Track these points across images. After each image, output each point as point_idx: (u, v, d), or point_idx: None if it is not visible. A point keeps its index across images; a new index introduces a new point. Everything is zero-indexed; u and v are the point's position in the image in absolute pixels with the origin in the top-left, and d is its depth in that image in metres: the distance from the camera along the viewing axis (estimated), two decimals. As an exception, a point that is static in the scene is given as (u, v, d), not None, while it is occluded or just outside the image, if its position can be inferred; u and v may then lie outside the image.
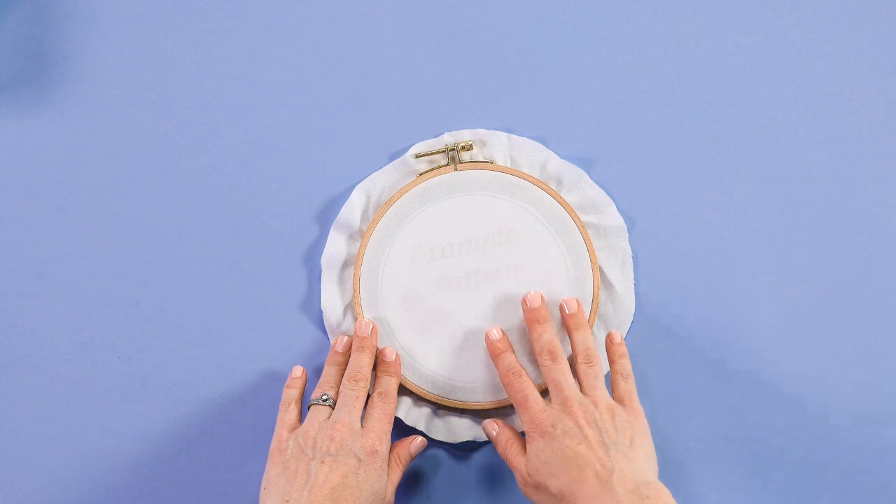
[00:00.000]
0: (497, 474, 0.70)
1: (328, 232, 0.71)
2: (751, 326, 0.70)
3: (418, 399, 0.69)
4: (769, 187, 0.71)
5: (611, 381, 0.66)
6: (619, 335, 0.67)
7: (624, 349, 0.67)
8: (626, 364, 0.66)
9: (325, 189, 0.71)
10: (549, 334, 0.65)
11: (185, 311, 0.71)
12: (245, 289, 0.71)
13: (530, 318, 0.66)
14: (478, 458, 0.70)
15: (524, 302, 0.66)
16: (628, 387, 0.65)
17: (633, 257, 0.70)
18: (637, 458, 0.59)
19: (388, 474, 0.63)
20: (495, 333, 0.67)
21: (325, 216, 0.71)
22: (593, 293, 0.68)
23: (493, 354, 0.66)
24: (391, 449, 0.65)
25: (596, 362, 0.64)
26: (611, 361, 0.66)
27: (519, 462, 0.63)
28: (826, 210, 0.71)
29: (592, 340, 0.65)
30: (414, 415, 0.68)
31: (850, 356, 0.70)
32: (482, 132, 0.70)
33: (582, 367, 0.64)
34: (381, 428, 0.63)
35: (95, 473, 0.70)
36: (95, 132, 0.72)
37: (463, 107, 0.72)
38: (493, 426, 0.66)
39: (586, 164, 0.71)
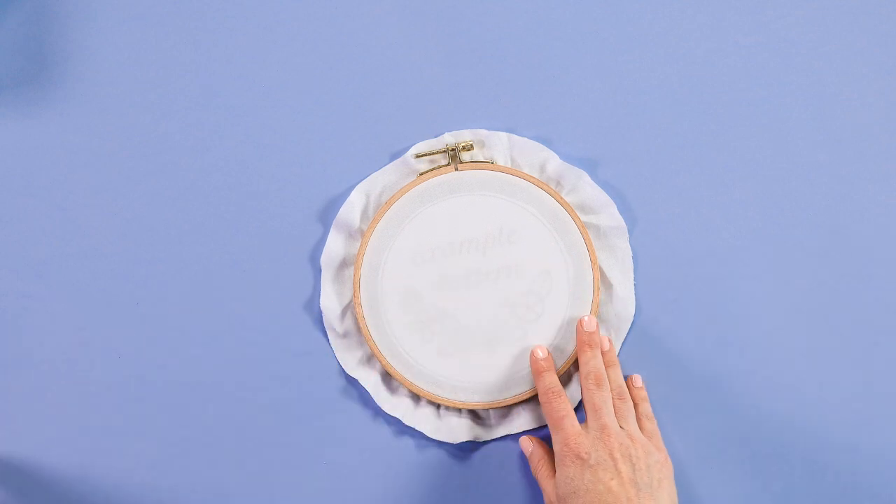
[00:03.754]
0: (496, 475, 0.70)
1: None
2: (751, 327, 0.70)
3: (419, 399, 0.69)
4: (769, 187, 0.71)
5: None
6: (640, 378, 0.68)
7: (645, 393, 0.68)
8: (648, 407, 0.67)
9: (326, 189, 0.71)
10: (598, 360, 0.66)
11: (185, 311, 0.71)
12: (245, 289, 0.71)
13: (582, 341, 0.67)
14: (478, 458, 0.70)
15: (580, 324, 0.67)
16: (654, 428, 0.66)
17: (633, 258, 0.70)
18: (662, 501, 0.60)
19: None
20: (540, 353, 0.67)
21: (327, 216, 0.71)
22: (593, 293, 0.68)
23: (536, 372, 0.67)
24: None
25: (629, 399, 0.66)
26: (634, 404, 0.67)
27: (548, 484, 0.64)
28: (826, 210, 0.71)
29: (624, 381, 0.67)
30: (414, 415, 0.68)
31: (850, 356, 0.70)
32: (482, 132, 0.70)
33: (616, 403, 0.65)
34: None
35: (95, 473, 0.70)
36: (95, 132, 0.72)
37: (463, 107, 0.72)
38: (529, 444, 0.67)
39: (587, 164, 0.71)
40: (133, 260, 0.71)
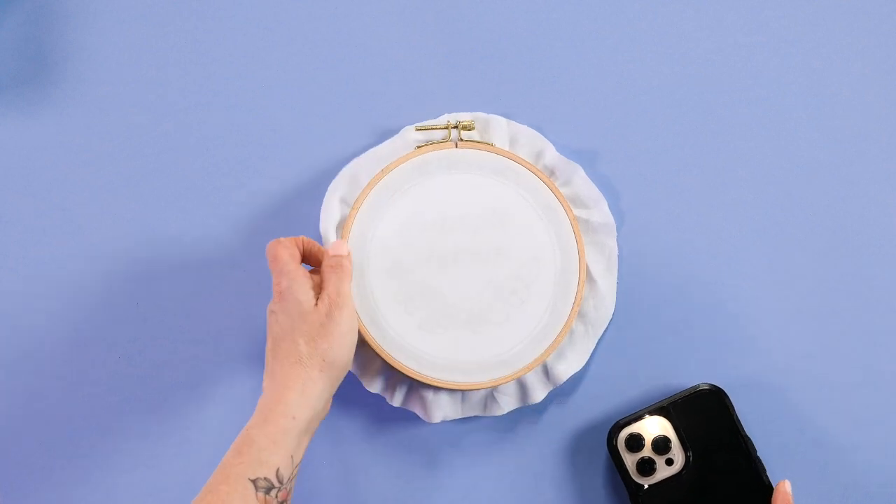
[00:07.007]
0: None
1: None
2: (742, 328, 0.70)
3: (394, 375, 0.68)
4: (766, 188, 0.71)
5: None
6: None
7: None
8: None
9: (325, 188, 0.71)
10: None
11: (185, 311, 0.71)
12: (245, 288, 0.71)
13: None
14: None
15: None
16: None
17: (618, 256, 0.70)
18: None
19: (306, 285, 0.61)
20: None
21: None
22: (578, 285, 0.68)
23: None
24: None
25: None
26: None
27: None
28: (825, 210, 0.71)
29: None
30: (387, 390, 0.68)
31: (850, 356, 0.70)
32: (482, 115, 0.70)
33: None
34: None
35: (95, 473, 0.70)
36: (95, 132, 0.72)
37: (461, 99, 0.72)
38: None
39: (580, 157, 0.71)
40: (133, 260, 0.71)
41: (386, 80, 0.72)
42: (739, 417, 0.66)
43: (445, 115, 0.71)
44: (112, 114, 0.72)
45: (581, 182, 0.70)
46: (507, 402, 0.68)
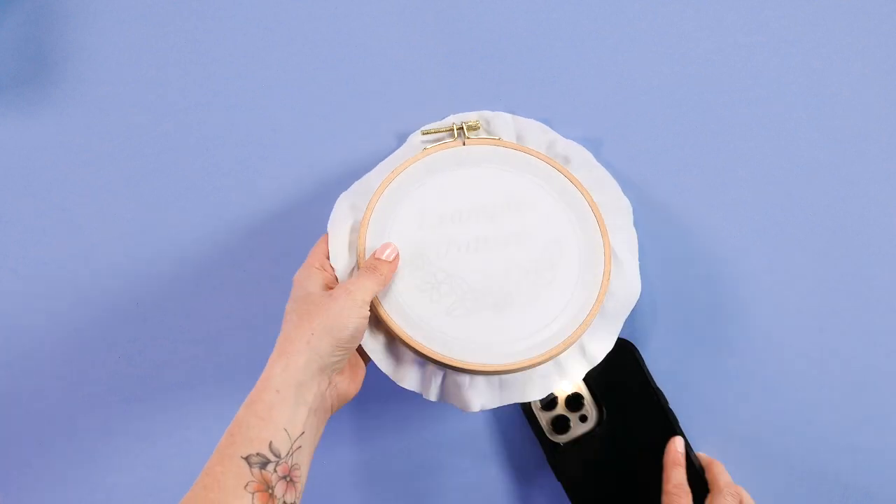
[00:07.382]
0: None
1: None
2: (743, 327, 0.70)
3: (426, 368, 0.67)
4: (766, 188, 0.71)
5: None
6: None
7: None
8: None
9: (325, 188, 0.71)
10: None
11: (185, 311, 0.71)
12: (245, 288, 0.71)
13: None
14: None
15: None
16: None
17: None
18: None
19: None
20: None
21: (323, 219, 0.71)
22: (605, 262, 0.67)
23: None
24: None
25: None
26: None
27: None
28: (825, 210, 0.71)
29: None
30: (420, 383, 0.66)
31: (850, 356, 0.70)
32: (487, 113, 0.71)
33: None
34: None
35: (95, 473, 0.70)
36: (95, 132, 0.72)
37: (463, 97, 0.72)
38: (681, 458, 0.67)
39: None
40: (133, 260, 0.71)
41: (387, 80, 0.72)
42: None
43: (451, 116, 0.71)
44: (112, 114, 0.72)
45: (594, 168, 0.70)
46: (546, 386, 0.67)
